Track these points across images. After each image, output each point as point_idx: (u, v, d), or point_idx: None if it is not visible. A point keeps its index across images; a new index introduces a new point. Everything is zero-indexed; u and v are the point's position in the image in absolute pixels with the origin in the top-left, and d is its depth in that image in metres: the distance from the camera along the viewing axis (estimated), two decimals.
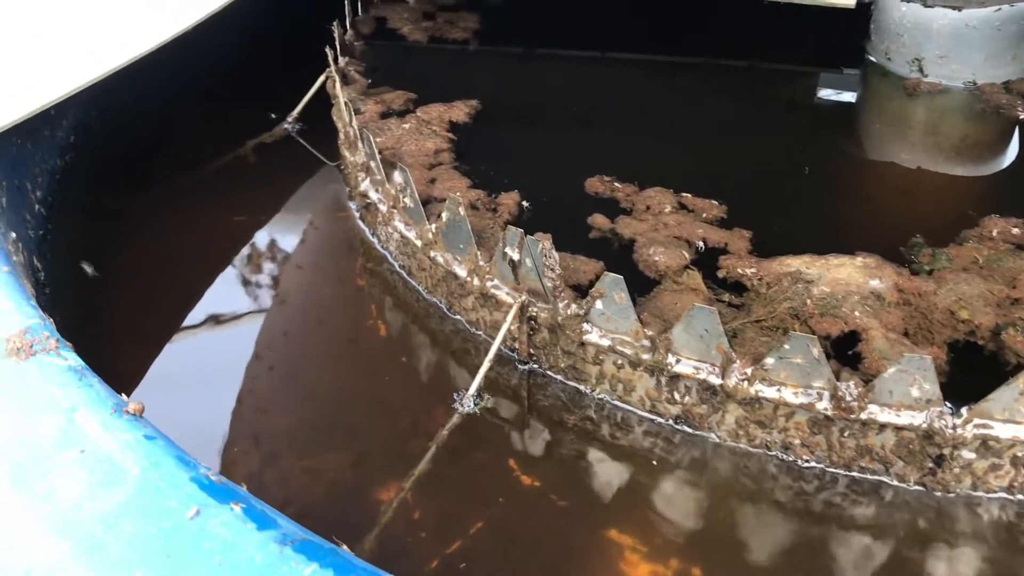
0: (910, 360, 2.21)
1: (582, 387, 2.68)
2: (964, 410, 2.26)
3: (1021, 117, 3.59)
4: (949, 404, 2.27)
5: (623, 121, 3.78)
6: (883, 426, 2.31)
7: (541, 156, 3.49)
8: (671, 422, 2.57)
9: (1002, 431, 2.25)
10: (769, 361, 2.35)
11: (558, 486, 2.47)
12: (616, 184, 3.17)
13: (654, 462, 2.52)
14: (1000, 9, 3.52)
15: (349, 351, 3.05)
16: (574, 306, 2.60)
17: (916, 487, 2.38)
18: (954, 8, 3.54)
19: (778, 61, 4.25)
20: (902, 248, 2.84)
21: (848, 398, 2.31)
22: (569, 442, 2.61)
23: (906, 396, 2.27)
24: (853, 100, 3.97)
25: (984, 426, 2.26)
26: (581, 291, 2.67)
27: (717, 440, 2.52)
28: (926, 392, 2.25)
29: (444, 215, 2.83)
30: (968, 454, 2.30)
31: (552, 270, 2.62)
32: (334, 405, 2.78)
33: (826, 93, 4.04)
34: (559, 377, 2.72)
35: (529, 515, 2.40)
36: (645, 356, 2.49)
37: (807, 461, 2.44)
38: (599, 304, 2.53)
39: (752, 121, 3.78)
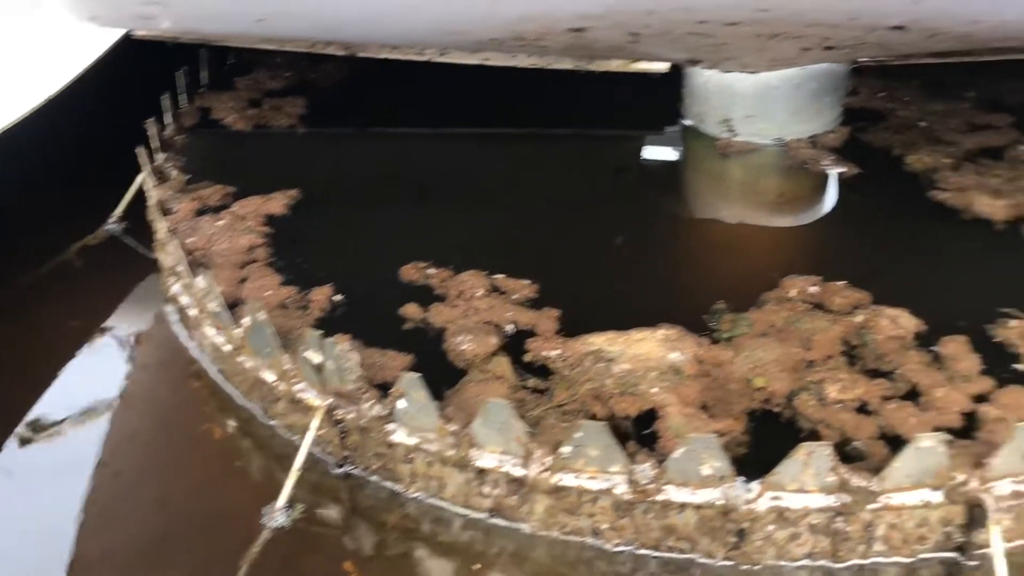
0: (697, 440, 2.23)
1: (398, 487, 2.63)
2: (756, 484, 2.29)
3: (825, 171, 3.71)
4: (743, 478, 2.30)
5: (454, 198, 3.77)
6: (682, 505, 2.32)
7: (361, 243, 3.45)
8: (485, 515, 2.54)
9: (793, 502, 2.27)
10: (566, 450, 2.34)
11: None
12: (430, 271, 3.15)
13: (474, 557, 2.48)
14: (798, 69, 3.65)
15: (184, 458, 2.94)
16: (378, 407, 2.56)
17: (724, 562, 2.38)
18: (750, 72, 3.66)
19: (606, 126, 4.32)
20: (705, 316, 2.88)
21: (644, 481, 2.31)
22: (393, 542, 2.55)
23: (699, 475, 2.28)
24: (675, 161, 4.06)
25: (777, 498, 2.28)
26: (390, 388, 2.62)
27: (530, 531, 2.49)
28: (718, 469, 2.27)
29: (245, 320, 2.77)
30: (768, 526, 2.32)
31: (352, 372, 2.57)
32: (169, 517, 2.68)
33: (650, 155, 4.12)
34: (375, 478, 2.66)
35: None
36: (450, 453, 2.46)
37: (617, 545, 2.43)
38: (401, 403, 2.49)
39: (580, 189, 3.82)
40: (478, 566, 2.44)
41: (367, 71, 4.72)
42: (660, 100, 4.21)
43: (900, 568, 2.36)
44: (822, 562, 2.36)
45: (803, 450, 2.20)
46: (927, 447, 2.19)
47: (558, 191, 3.78)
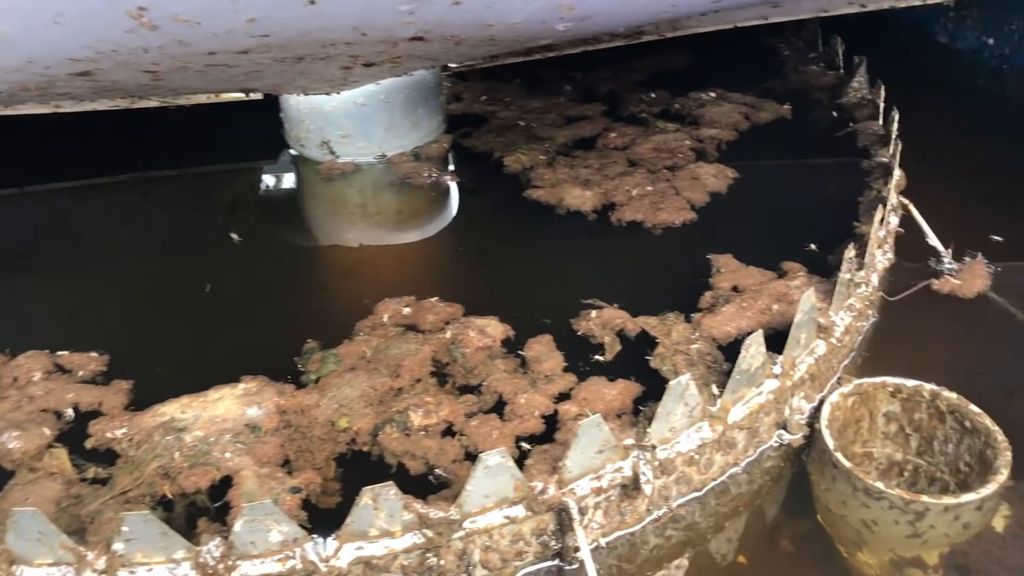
0: (253, 508, 2.02)
1: None
2: (331, 540, 2.12)
3: (427, 183, 3.65)
4: (316, 537, 2.12)
5: (53, 263, 3.36)
6: None
7: None
8: None
9: (376, 549, 2.13)
10: (118, 547, 2.07)
11: None
12: None
13: None
14: (379, 84, 3.56)
15: None
16: None
17: None
18: (328, 93, 3.53)
19: (215, 162, 4.04)
20: (296, 358, 2.70)
21: (211, 562, 2.08)
22: None
23: (271, 542, 2.08)
24: (291, 190, 3.85)
25: (360, 548, 2.13)
26: None
27: None
28: (287, 533, 2.08)
29: None
30: None
31: None
32: None
33: (265, 187, 3.89)
34: None
35: None
36: None
37: None
38: None
39: (197, 231, 3.51)
40: None
41: None
42: (268, 129, 3.99)
43: None
44: None
45: (367, 495, 2.05)
46: (495, 464, 2.12)
47: (157, 241, 3.46)
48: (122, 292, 3.13)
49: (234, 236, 3.16)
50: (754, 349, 2.41)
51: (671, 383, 2.27)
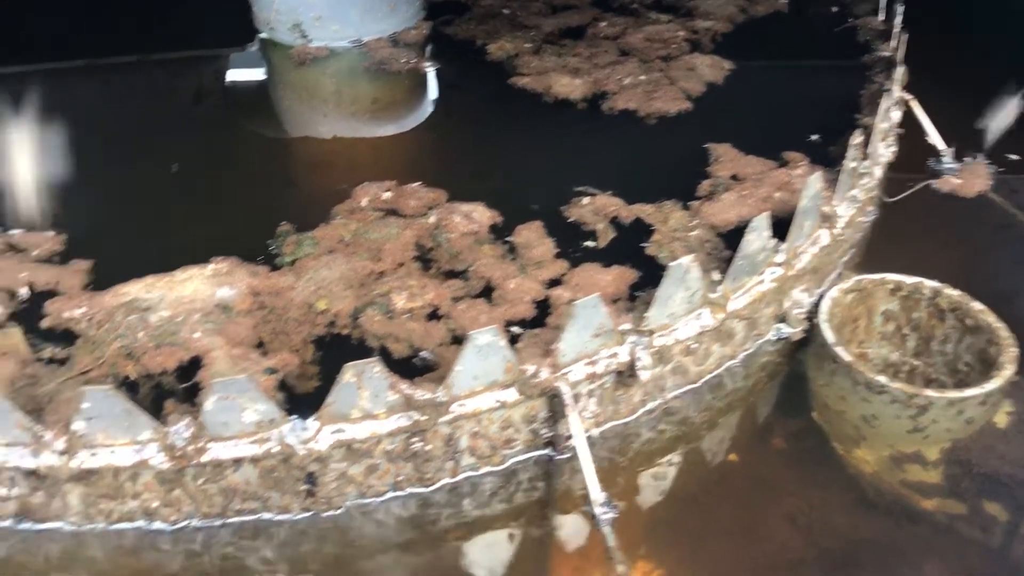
0: (226, 384, 1.87)
1: None
2: (312, 421, 1.98)
3: (404, 69, 3.45)
4: (295, 418, 1.98)
5: (7, 145, 3.11)
6: (236, 461, 1.98)
7: None
8: (13, 521, 2.06)
9: (358, 432, 2.00)
10: (79, 426, 1.91)
11: None
12: None
13: (15, 571, 2.02)
14: None
15: None
16: None
17: (304, 514, 2.08)
18: None
19: (178, 48, 3.78)
20: (269, 241, 2.53)
21: (180, 443, 1.93)
22: None
23: (245, 423, 1.94)
24: (260, 78, 3.62)
25: (339, 431, 2.00)
26: None
27: (73, 528, 2.05)
28: (263, 413, 1.94)
29: None
30: (338, 464, 2.04)
31: None
32: None
33: (233, 75, 3.66)
34: None
35: None
36: None
37: (177, 521, 2.06)
38: None
39: (161, 121, 3.29)
40: None
41: None
42: (234, 14, 3.74)
43: (496, 477, 2.19)
44: (411, 490, 2.13)
45: (350, 372, 1.91)
46: (486, 343, 1.98)
47: (118, 129, 3.23)
48: (81, 175, 2.92)
49: (174, 167, 2.94)
50: (759, 232, 2.28)
51: (672, 265, 2.14)
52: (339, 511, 2.09)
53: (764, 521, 2.18)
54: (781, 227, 2.42)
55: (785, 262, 2.42)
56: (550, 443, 2.20)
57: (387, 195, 2.68)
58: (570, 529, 2.16)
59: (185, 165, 2.96)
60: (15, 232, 2.57)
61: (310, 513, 2.08)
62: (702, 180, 2.73)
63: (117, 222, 2.68)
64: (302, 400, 2.08)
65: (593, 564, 2.07)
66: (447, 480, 2.15)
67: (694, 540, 2.14)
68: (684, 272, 2.17)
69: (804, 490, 2.24)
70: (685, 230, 2.50)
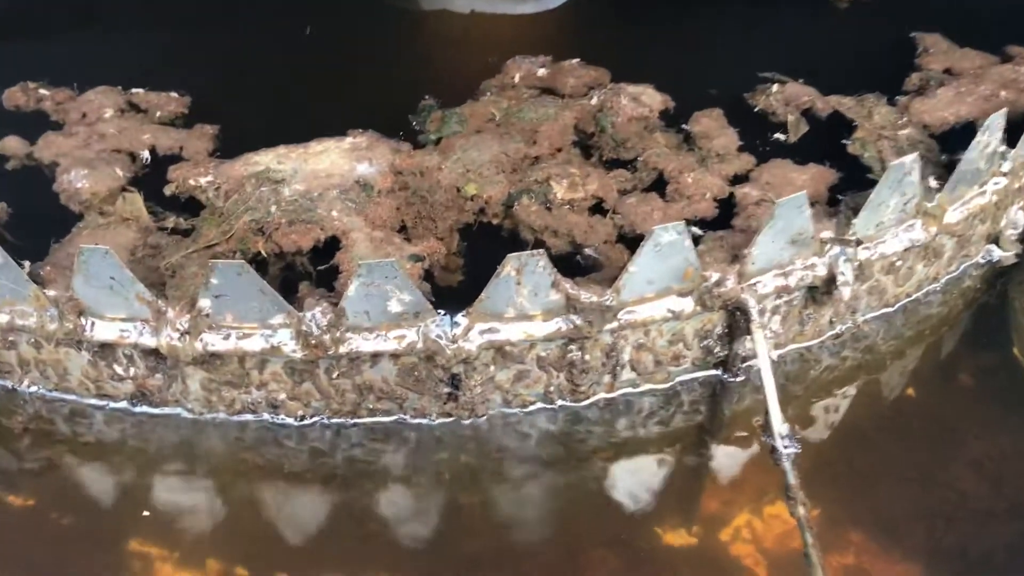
0: (372, 268, 1.63)
1: (9, 382, 1.94)
2: (462, 317, 1.74)
3: None
4: (443, 312, 1.74)
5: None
6: (374, 356, 1.75)
7: None
8: (129, 404, 1.90)
9: (513, 332, 1.75)
10: (204, 304, 1.71)
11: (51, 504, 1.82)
12: (43, 91, 2.36)
13: (131, 457, 1.88)
14: None
15: None
16: None
17: (442, 419, 1.86)
18: None
19: None
20: (411, 115, 2.27)
21: (316, 331, 1.71)
22: (27, 451, 1.90)
23: (387, 314, 1.71)
24: None
25: (492, 331, 1.75)
26: None
27: (191, 415, 1.88)
28: (409, 304, 1.70)
29: None
30: (486, 367, 1.80)
31: None
32: None
33: None
34: None
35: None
36: (52, 327, 1.77)
37: (304, 417, 1.86)
38: None
39: None
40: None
41: None
42: None
43: (656, 397, 1.94)
44: (561, 403, 1.89)
45: (510, 264, 1.64)
46: (668, 241, 1.68)
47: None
48: (207, 38, 2.69)
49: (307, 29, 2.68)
50: (993, 132, 1.91)
51: (893, 164, 1.80)
52: (481, 419, 1.87)
53: (945, 467, 1.89)
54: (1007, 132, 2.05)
55: (1011, 171, 2.05)
56: (721, 364, 1.92)
57: (542, 71, 2.38)
58: (732, 460, 1.92)
59: (317, 36, 2.70)
60: (137, 91, 2.36)
61: (449, 419, 1.86)
62: (909, 73, 2.35)
63: (245, 86, 2.46)
64: (444, 293, 1.84)
65: (748, 498, 1.81)
66: (602, 395, 1.91)
67: (865, 481, 1.86)
68: (904, 174, 1.82)
69: (993, 435, 1.94)
70: (893, 128, 2.14)
